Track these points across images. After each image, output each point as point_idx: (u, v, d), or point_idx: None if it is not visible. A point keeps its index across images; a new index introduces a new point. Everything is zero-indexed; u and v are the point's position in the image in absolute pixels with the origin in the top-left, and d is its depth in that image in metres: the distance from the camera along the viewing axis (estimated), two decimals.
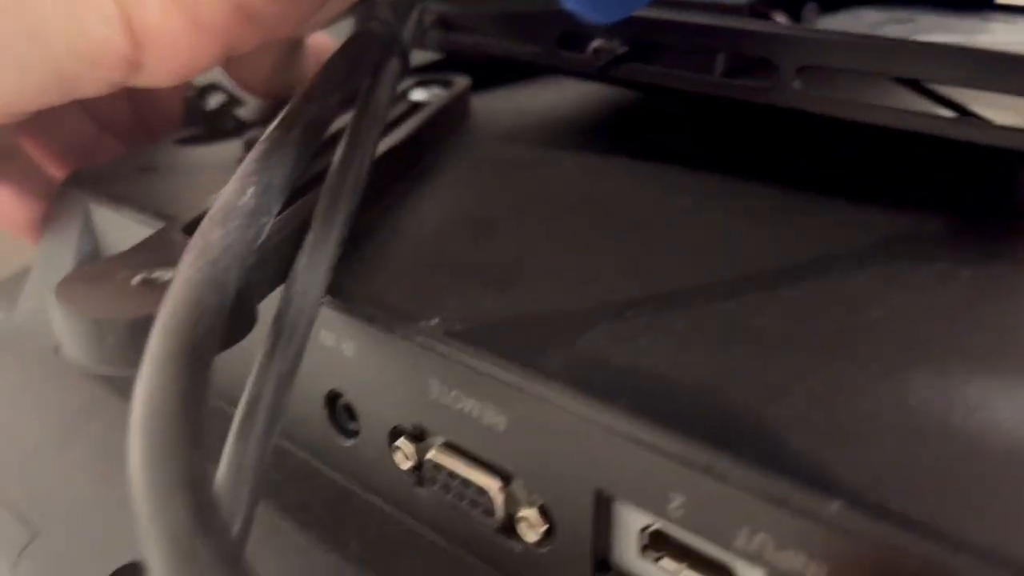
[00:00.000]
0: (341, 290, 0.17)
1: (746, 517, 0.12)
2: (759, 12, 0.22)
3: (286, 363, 0.14)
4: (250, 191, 0.14)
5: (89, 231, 0.23)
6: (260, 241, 0.14)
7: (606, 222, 0.19)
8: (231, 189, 0.14)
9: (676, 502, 0.13)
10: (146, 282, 0.14)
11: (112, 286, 0.14)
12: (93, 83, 0.19)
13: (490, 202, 0.21)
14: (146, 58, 0.18)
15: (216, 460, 0.13)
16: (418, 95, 0.26)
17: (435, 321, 0.16)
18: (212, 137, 0.26)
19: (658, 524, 0.14)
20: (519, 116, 0.27)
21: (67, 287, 0.14)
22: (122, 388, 0.22)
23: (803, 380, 0.13)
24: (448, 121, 0.25)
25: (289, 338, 0.15)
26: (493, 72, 0.29)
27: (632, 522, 0.14)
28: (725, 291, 0.16)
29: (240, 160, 0.15)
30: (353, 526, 0.18)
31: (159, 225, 0.18)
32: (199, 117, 0.29)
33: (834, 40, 0.19)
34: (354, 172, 0.17)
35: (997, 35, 0.26)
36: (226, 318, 0.13)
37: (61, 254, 0.24)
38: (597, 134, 0.26)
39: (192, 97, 0.30)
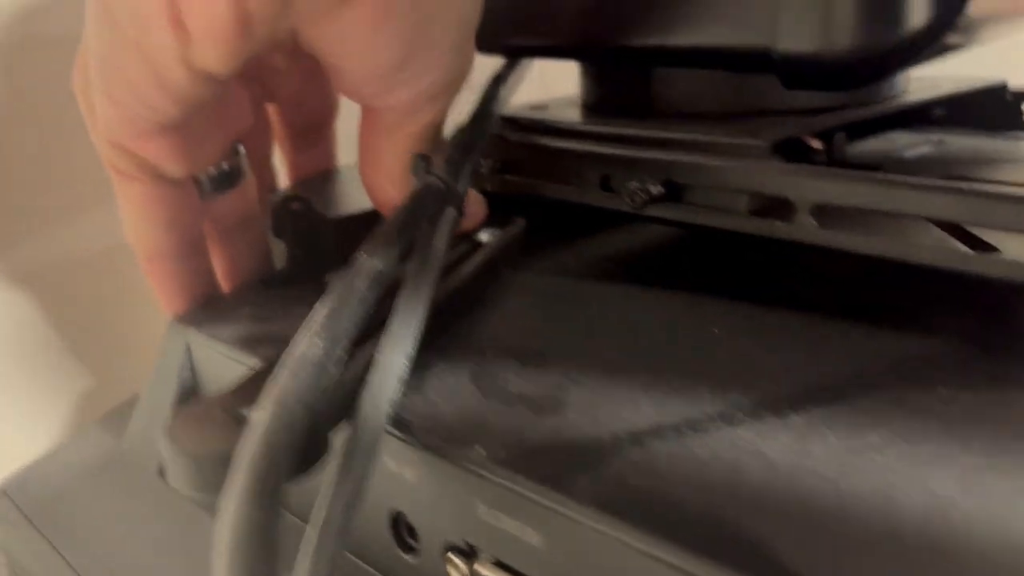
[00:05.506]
0: (402, 421, 0.19)
1: None
2: (784, 150, 0.24)
3: (353, 486, 0.17)
4: (319, 344, 0.17)
5: (189, 365, 0.26)
6: (329, 384, 0.17)
7: (643, 352, 0.21)
8: (303, 342, 0.17)
9: None
10: (239, 420, 0.17)
11: (211, 424, 0.17)
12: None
13: (540, 334, 0.23)
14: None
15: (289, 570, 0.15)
16: (480, 235, 0.28)
17: (481, 448, 0.18)
18: (293, 278, 0.30)
19: None
20: (571, 252, 0.30)
21: (173, 425, 0.17)
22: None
23: (805, 503, 0.15)
24: (505, 259, 0.28)
25: (354, 464, 0.17)
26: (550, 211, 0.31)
27: None
28: (742, 418, 0.18)
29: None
30: None
31: (249, 360, 0.20)
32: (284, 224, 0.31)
33: (842, 180, 0.21)
34: (412, 316, 0.20)
35: None
36: (297, 451, 0.15)
37: (165, 384, 0.27)
38: (642, 269, 0.28)
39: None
